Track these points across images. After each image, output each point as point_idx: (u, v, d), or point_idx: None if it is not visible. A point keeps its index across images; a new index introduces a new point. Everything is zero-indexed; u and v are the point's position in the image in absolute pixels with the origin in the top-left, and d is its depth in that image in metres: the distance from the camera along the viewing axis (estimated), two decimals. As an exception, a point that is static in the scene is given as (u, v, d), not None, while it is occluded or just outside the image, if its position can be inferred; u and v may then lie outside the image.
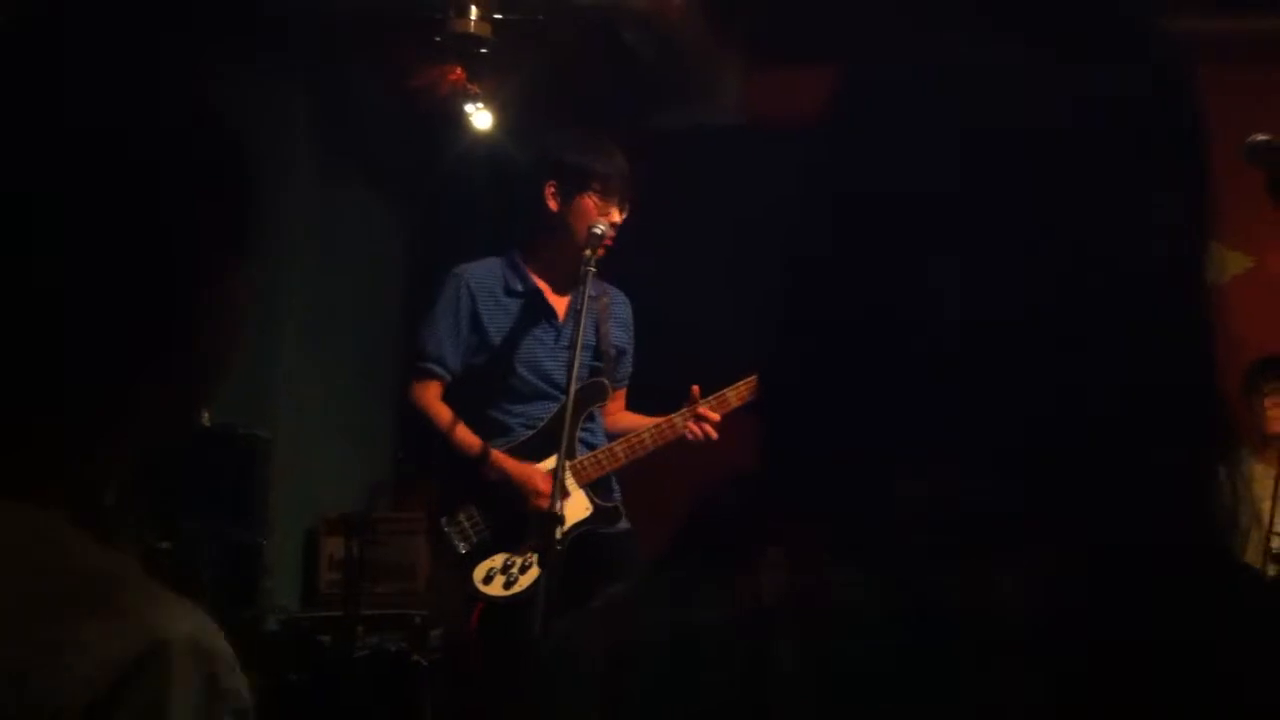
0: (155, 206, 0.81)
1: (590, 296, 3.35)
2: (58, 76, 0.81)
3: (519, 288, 3.63)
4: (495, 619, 3.51)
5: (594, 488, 3.58)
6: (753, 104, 5.35)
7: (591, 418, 3.65)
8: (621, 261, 3.58)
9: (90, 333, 0.80)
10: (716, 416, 3.51)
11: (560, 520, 3.09)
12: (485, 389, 3.61)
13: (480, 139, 4.67)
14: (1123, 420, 0.61)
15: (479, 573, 3.49)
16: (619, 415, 3.79)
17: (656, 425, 3.57)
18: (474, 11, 4.07)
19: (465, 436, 3.55)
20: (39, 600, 0.74)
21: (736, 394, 3.53)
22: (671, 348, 3.89)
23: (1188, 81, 0.66)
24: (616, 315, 3.75)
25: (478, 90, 4.54)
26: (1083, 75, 0.63)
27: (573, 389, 3.17)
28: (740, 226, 3.36)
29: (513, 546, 3.50)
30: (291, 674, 3.88)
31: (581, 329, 3.23)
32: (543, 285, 3.64)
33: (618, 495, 3.67)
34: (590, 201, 3.50)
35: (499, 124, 4.62)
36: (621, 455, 3.56)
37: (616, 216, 3.50)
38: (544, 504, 3.35)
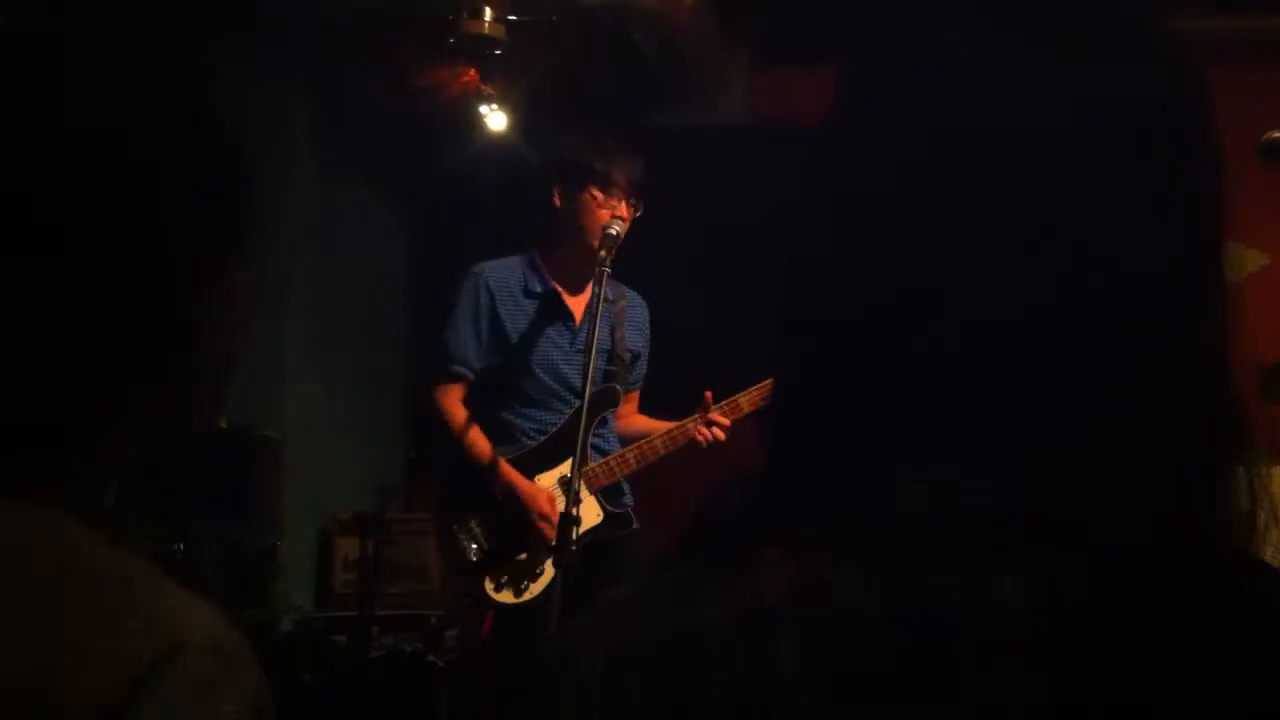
0: (155, 206, 0.81)
1: (607, 300, 3.34)
2: (58, 76, 0.81)
3: (538, 289, 3.63)
4: (507, 625, 3.51)
5: (605, 493, 3.58)
6: (757, 104, 5.36)
7: (604, 422, 3.65)
8: (626, 263, 3.58)
9: (90, 333, 0.80)
10: (727, 421, 3.51)
11: (577, 523, 3.09)
12: (500, 390, 3.61)
13: (492, 140, 4.68)
14: (1126, 420, 0.61)
15: (489, 580, 3.50)
16: (631, 418, 3.79)
17: (668, 431, 3.57)
18: (488, 13, 4.08)
19: (478, 442, 3.54)
20: (52, 601, 0.74)
21: (749, 399, 3.52)
22: (676, 349, 3.89)
23: (1196, 81, 0.65)
24: (633, 319, 3.74)
25: (491, 91, 4.55)
26: (1088, 75, 0.63)
27: (587, 395, 3.16)
28: (745, 227, 3.37)
29: (523, 553, 3.50)
30: (306, 674, 3.89)
31: (597, 334, 3.23)
32: (560, 287, 3.64)
33: (629, 500, 3.66)
34: (591, 198, 3.49)
35: (512, 125, 4.63)
36: (633, 461, 3.56)
37: (622, 211, 3.48)
38: (548, 529, 3.35)
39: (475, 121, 4.64)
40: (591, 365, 3.18)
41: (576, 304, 3.64)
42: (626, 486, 3.66)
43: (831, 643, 0.59)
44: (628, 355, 3.71)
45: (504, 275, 3.64)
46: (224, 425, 3.69)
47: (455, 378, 3.60)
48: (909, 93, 0.65)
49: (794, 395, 0.68)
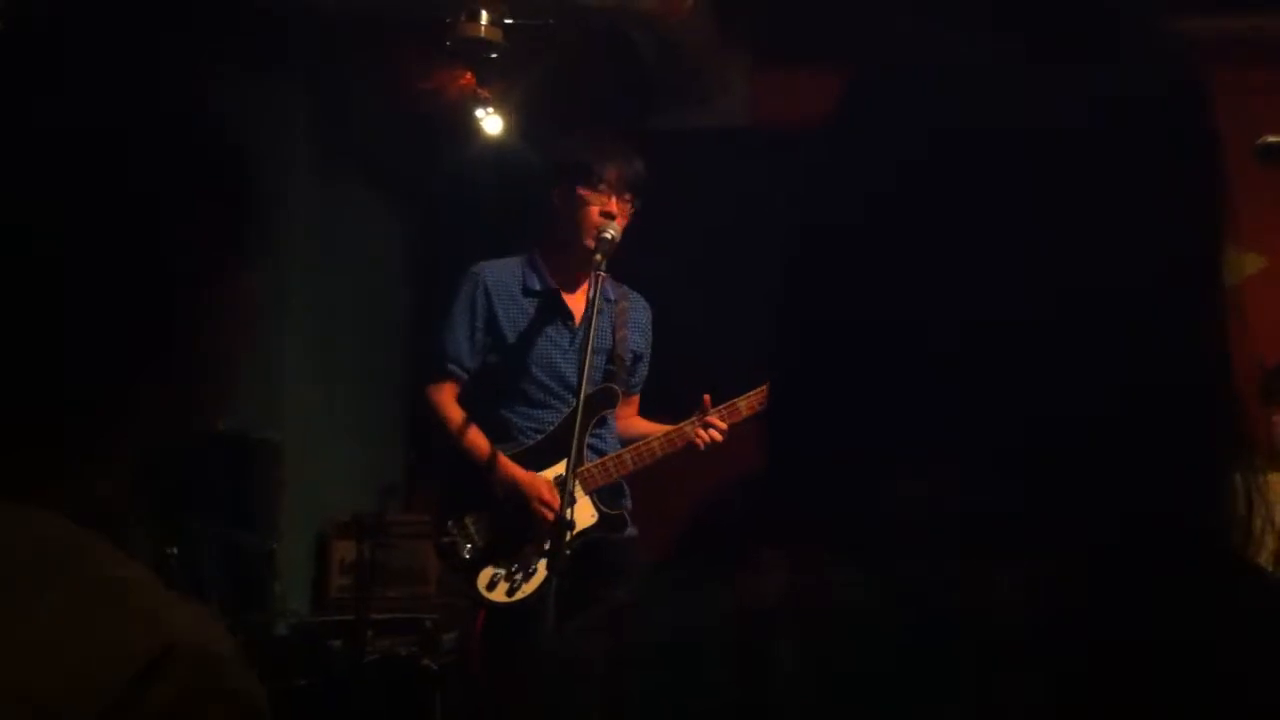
0: (155, 207, 0.81)
1: (608, 300, 3.34)
2: (58, 76, 0.81)
3: (537, 287, 3.63)
4: (499, 625, 3.51)
5: (602, 495, 3.58)
6: (755, 106, 5.36)
7: (603, 423, 3.65)
8: (626, 264, 3.58)
9: (90, 333, 0.80)
10: (724, 425, 3.51)
11: (570, 525, 3.09)
12: (498, 389, 3.61)
13: (491, 141, 4.68)
14: (1124, 422, 0.61)
15: (482, 579, 3.50)
16: (631, 421, 3.78)
17: (666, 434, 3.57)
18: (484, 17, 4.08)
19: (476, 440, 3.54)
20: (46, 603, 0.74)
21: (747, 403, 3.52)
22: (675, 351, 3.89)
23: (1196, 81, 0.65)
24: (634, 320, 3.74)
25: (487, 95, 4.55)
26: (1089, 75, 0.63)
27: (583, 394, 3.17)
28: (745, 229, 3.37)
29: (517, 553, 3.50)
30: (302, 679, 3.87)
31: (593, 333, 3.23)
32: (560, 286, 3.64)
33: (627, 502, 3.66)
34: (584, 195, 3.50)
35: (508, 127, 4.63)
36: (629, 462, 3.56)
37: (614, 208, 3.48)
38: (549, 515, 3.36)
39: (472, 125, 4.64)
40: (588, 365, 3.18)
41: (576, 303, 3.64)
42: (626, 489, 3.66)
43: (831, 643, 0.59)
44: (628, 356, 3.71)
45: (502, 275, 3.64)
46: (222, 427, 3.69)
47: (448, 376, 3.60)
48: (908, 93, 0.65)
49: (794, 395, 0.68)
